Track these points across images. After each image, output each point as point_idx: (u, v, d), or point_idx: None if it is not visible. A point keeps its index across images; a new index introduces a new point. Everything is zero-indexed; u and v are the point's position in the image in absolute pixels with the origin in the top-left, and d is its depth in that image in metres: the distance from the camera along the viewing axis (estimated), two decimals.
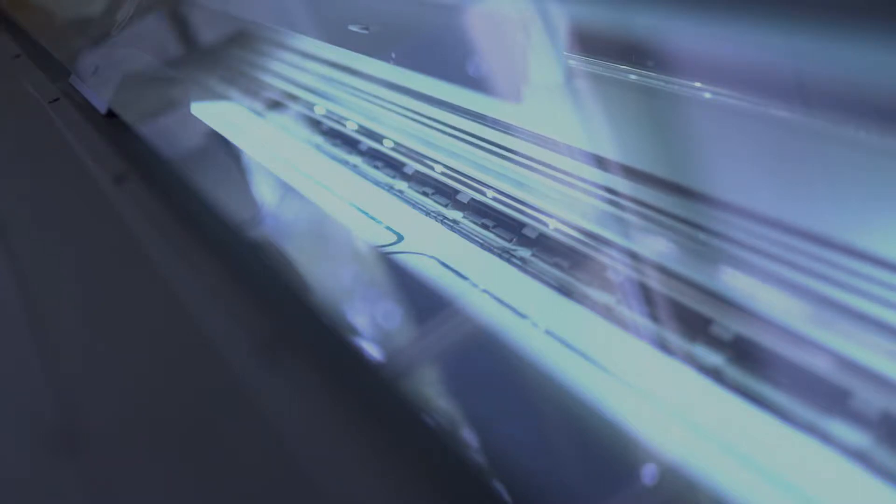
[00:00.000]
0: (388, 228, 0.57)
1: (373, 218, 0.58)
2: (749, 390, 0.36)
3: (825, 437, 0.33)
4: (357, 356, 0.35)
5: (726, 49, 0.35)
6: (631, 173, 0.46)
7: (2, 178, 0.69)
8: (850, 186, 0.36)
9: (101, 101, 0.68)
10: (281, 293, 0.39)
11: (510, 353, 0.40)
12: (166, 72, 0.75)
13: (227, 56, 0.87)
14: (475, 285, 0.48)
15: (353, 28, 0.53)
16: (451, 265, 0.50)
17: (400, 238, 0.56)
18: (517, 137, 0.55)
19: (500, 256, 0.51)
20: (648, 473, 0.31)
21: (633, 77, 0.45)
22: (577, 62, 0.46)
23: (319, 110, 0.78)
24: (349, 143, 0.71)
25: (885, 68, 0.28)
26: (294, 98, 0.81)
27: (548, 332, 0.41)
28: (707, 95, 0.41)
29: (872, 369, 0.34)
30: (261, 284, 0.40)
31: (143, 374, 0.38)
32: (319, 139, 0.74)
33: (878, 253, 0.35)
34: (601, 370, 0.38)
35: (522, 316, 0.43)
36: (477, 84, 0.43)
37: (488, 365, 0.39)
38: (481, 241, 0.53)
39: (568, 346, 0.40)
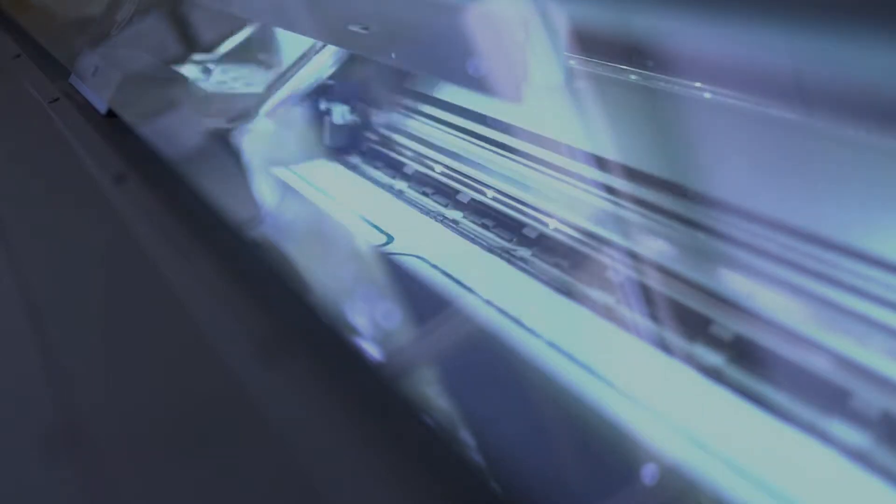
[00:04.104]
0: (388, 229, 0.57)
1: (372, 218, 0.58)
2: (749, 390, 0.36)
3: (825, 437, 0.33)
4: (357, 356, 0.35)
5: (726, 49, 0.35)
6: (631, 173, 0.46)
7: (2, 178, 0.69)
8: (850, 186, 0.36)
9: (101, 101, 0.68)
10: (281, 293, 0.39)
11: (510, 353, 0.40)
12: (166, 72, 0.75)
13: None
14: (475, 285, 0.48)
15: (353, 28, 0.53)
16: (451, 265, 0.50)
17: (400, 238, 0.56)
18: (517, 137, 0.55)
19: (500, 256, 0.51)
20: (648, 473, 0.31)
21: (633, 77, 0.45)
22: (577, 62, 0.46)
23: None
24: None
25: (886, 68, 0.28)
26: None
27: (547, 332, 0.41)
28: (707, 95, 0.41)
29: (872, 369, 0.34)
30: (261, 284, 0.40)
31: (142, 374, 0.38)
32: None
33: (878, 253, 0.35)
34: (601, 370, 0.38)
35: (522, 316, 0.43)
36: (477, 84, 0.43)
37: (488, 364, 0.39)
38: (481, 241, 0.53)
39: (567, 345, 0.40)
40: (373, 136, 0.70)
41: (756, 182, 0.40)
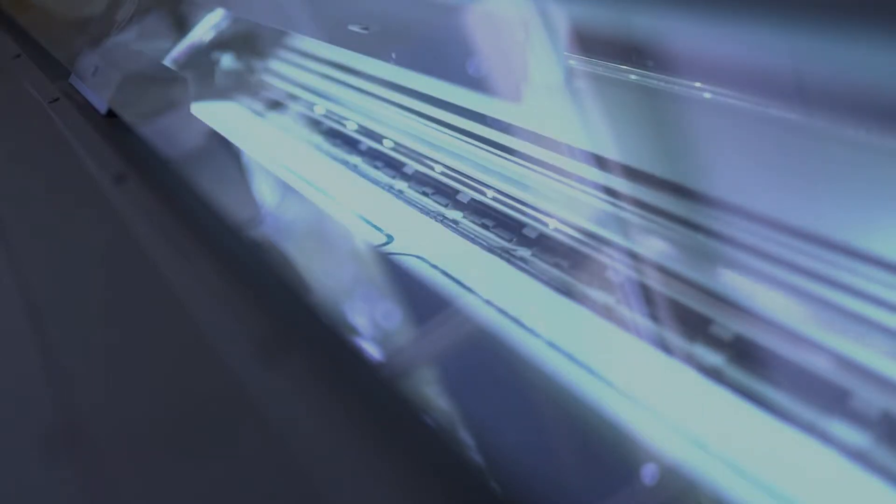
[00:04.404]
0: (388, 229, 0.57)
1: (372, 218, 0.58)
2: (749, 390, 0.36)
3: (825, 437, 0.33)
4: (357, 356, 0.35)
5: (726, 49, 0.35)
6: (631, 173, 0.46)
7: (2, 178, 0.69)
8: (850, 186, 0.36)
9: (101, 101, 0.68)
10: (281, 293, 0.39)
11: (510, 353, 0.40)
12: (166, 72, 0.75)
13: (227, 56, 0.88)
14: (475, 285, 0.48)
15: (353, 28, 0.53)
16: (451, 265, 0.50)
17: (400, 238, 0.56)
18: (517, 137, 0.55)
19: (500, 256, 0.51)
20: (648, 473, 0.31)
21: (633, 77, 0.45)
22: (577, 62, 0.46)
23: (319, 110, 0.78)
24: (349, 143, 0.71)
25: (886, 68, 0.28)
26: (294, 98, 0.82)
27: (547, 332, 0.41)
28: (707, 95, 0.41)
29: (872, 369, 0.34)
30: (261, 284, 0.40)
31: (142, 374, 0.38)
32: (319, 139, 0.75)
33: (878, 253, 0.35)
34: (601, 370, 0.38)
35: (522, 316, 0.43)
36: (477, 84, 0.43)
37: (488, 365, 0.39)
38: (481, 241, 0.53)
39: (567, 346, 0.40)
40: (253, 79, 0.89)
41: (756, 182, 0.40)
